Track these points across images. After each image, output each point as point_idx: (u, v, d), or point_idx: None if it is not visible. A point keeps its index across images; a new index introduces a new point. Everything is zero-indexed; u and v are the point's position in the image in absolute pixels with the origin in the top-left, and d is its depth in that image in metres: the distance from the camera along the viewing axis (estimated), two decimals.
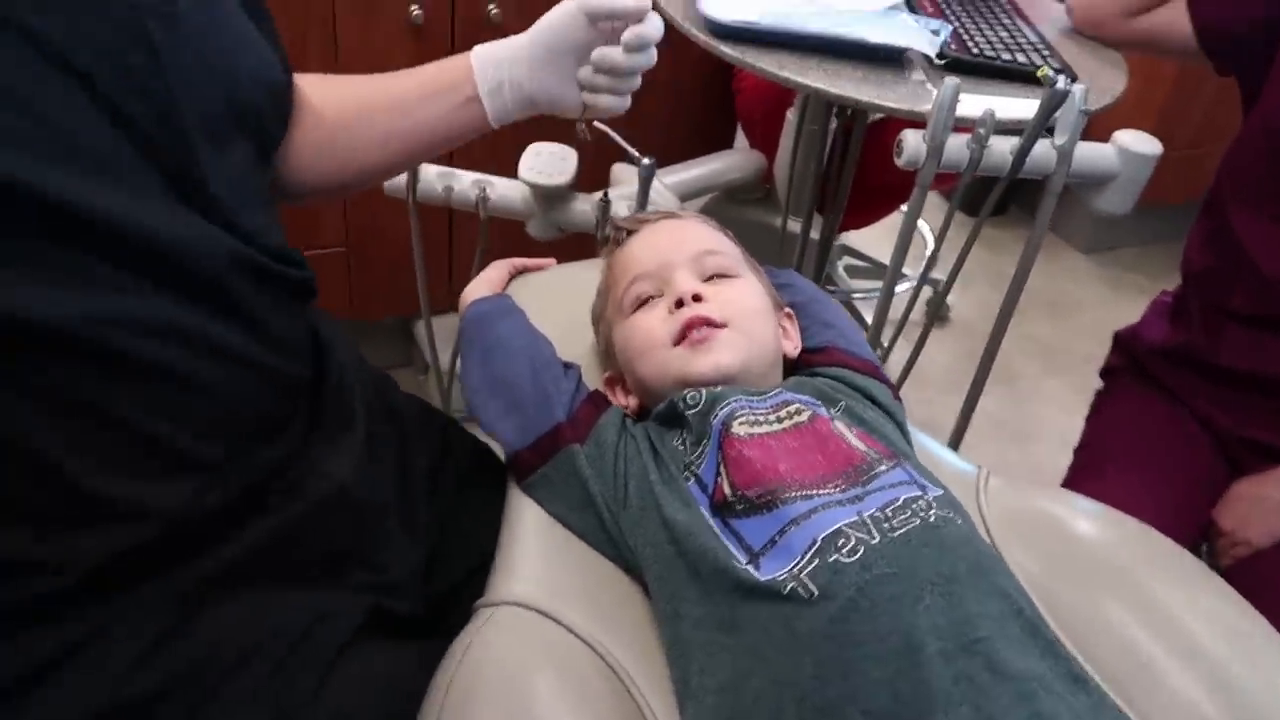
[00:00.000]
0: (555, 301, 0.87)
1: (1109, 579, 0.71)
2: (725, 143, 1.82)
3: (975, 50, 1.07)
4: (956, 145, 0.95)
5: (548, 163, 1.20)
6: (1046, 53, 1.10)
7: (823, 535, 0.56)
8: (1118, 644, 0.66)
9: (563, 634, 0.63)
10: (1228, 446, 1.08)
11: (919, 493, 0.60)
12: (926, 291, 2.24)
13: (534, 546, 0.70)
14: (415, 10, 1.42)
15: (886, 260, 1.96)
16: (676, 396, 0.68)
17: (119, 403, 0.51)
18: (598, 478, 0.68)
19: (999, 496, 0.80)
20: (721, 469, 0.63)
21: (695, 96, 1.74)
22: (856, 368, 0.76)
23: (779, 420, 0.65)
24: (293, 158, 0.72)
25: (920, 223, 2.32)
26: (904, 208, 2.17)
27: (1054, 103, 0.90)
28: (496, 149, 1.15)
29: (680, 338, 0.70)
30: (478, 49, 0.78)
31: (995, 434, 1.94)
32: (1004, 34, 1.12)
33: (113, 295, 0.49)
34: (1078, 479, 1.11)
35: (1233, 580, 0.70)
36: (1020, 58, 1.07)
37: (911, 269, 2.22)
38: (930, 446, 0.84)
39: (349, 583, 0.67)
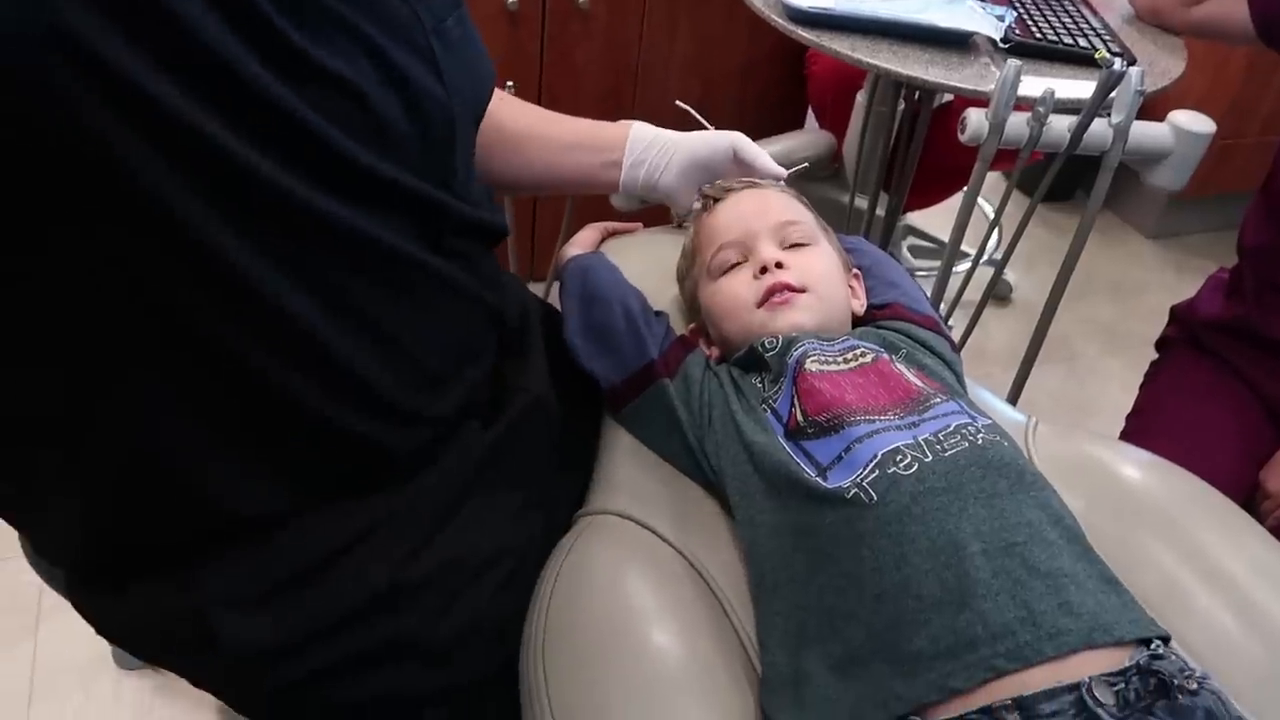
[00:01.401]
0: (641, 261, 0.97)
1: (1150, 518, 0.76)
2: (795, 124, 1.90)
3: (1038, 34, 1.13)
4: (1017, 123, 1.02)
5: None
6: (1108, 38, 1.16)
7: (882, 451, 0.64)
8: (1152, 571, 0.71)
9: (654, 540, 0.73)
10: (1278, 414, 1.13)
11: (969, 420, 0.68)
12: (991, 272, 2.29)
13: (627, 468, 0.79)
14: None
15: (944, 238, 2.02)
16: (756, 342, 0.77)
17: (397, 323, 0.63)
18: (684, 407, 0.78)
19: (1048, 442, 0.86)
20: (795, 401, 0.72)
21: (768, 80, 1.82)
22: (918, 322, 0.84)
23: (845, 361, 0.74)
24: (499, 148, 0.84)
25: (984, 204, 2.37)
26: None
27: (1111, 83, 0.97)
28: None
29: (763, 301, 0.79)
30: (637, 126, 0.91)
31: (1053, 410, 1.99)
32: (1067, 20, 1.18)
33: (389, 230, 0.60)
34: (1128, 441, 1.17)
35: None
36: (1081, 42, 1.13)
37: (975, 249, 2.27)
38: (985, 398, 0.91)
39: (555, 495, 0.78)
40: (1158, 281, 2.44)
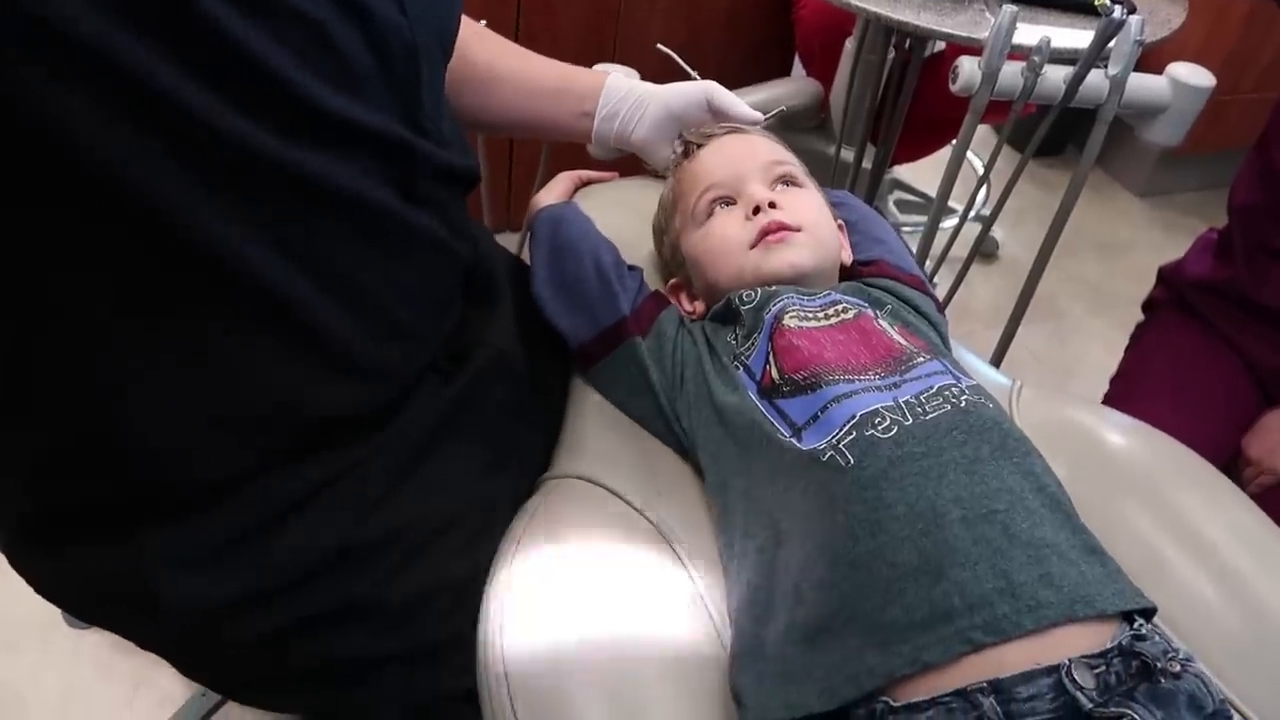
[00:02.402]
0: (617, 212, 0.93)
1: (1131, 484, 0.75)
2: (782, 72, 1.85)
3: None
4: (1011, 73, 0.98)
5: None
6: None
7: (861, 412, 0.62)
8: (1132, 539, 0.69)
9: (621, 506, 0.70)
10: (1265, 380, 1.11)
11: (953, 381, 0.66)
12: (978, 228, 2.26)
13: (596, 429, 0.76)
14: None
15: (931, 193, 1.98)
16: (733, 294, 0.74)
17: (363, 275, 0.60)
18: (657, 366, 0.74)
19: (1032, 406, 0.84)
20: (770, 357, 0.69)
21: (754, 24, 1.76)
22: (904, 280, 0.81)
23: (826, 317, 0.71)
24: (465, 85, 0.81)
25: (974, 159, 2.33)
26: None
27: (1109, 32, 0.93)
28: None
29: (757, 241, 0.75)
30: (615, 76, 0.88)
31: (1037, 369, 1.97)
32: None
33: (353, 175, 0.57)
34: (1112, 405, 1.15)
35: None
36: None
37: (962, 205, 2.24)
38: (970, 360, 0.89)
39: (523, 453, 0.76)
40: (1146, 240, 2.42)
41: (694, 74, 1.20)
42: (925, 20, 0.99)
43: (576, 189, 0.97)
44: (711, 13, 1.71)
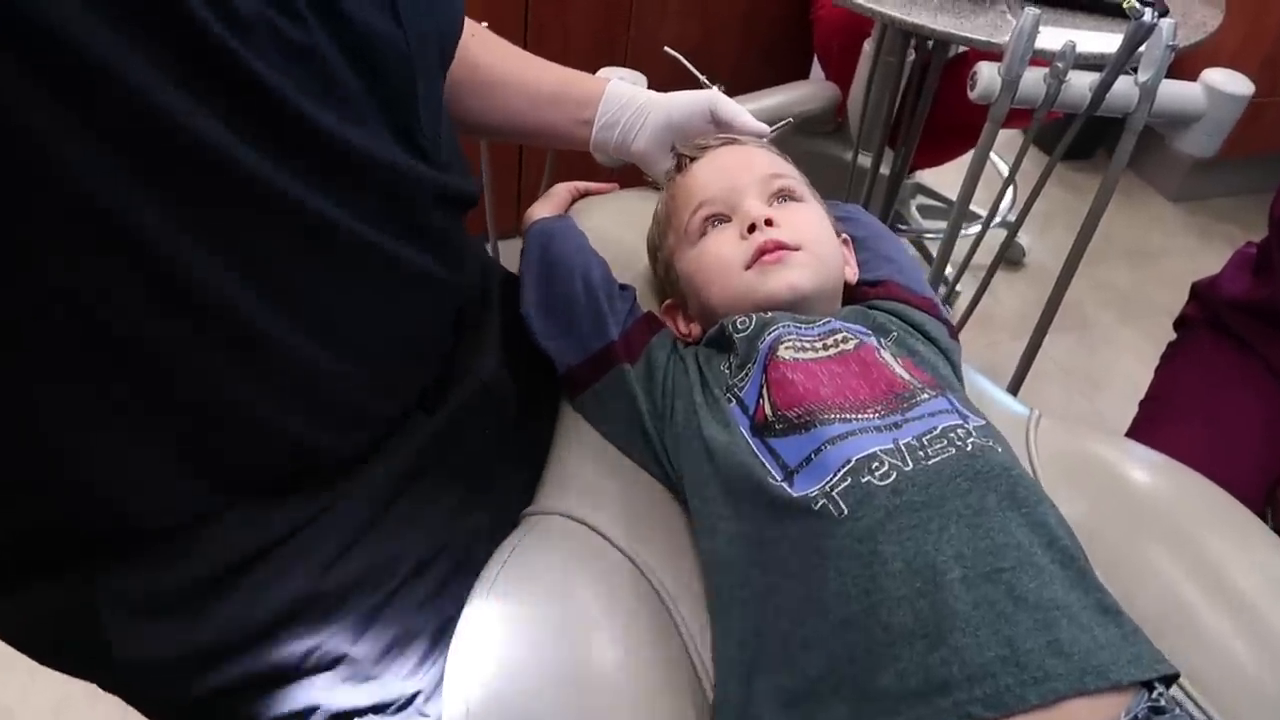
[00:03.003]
0: (615, 226, 0.89)
1: (1156, 525, 0.70)
2: (800, 75, 1.79)
3: None
4: (1034, 80, 0.92)
5: None
6: None
7: (857, 456, 0.57)
8: (1157, 587, 0.65)
9: (604, 545, 0.66)
10: None
11: (959, 421, 0.61)
12: (1003, 233, 2.19)
13: (582, 462, 0.72)
14: None
15: (950, 194, 1.92)
16: (727, 320, 0.70)
17: (349, 315, 0.56)
18: (646, 396, 0.70)
19: (1050, 438, 0.79)
20: (764, 391, 0.64)
21: (771, 25, 1.71)
22: (914, 304, 0.76)
23: (825, 347, 0.66)
24: (461, 90, 0.78)
25: (999, 163, 2.26)
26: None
27: (1139, 36, 0.87)
28: None
29: (753, 261, 0.70)
30: (615, 83, 0.85)
31: (1064, 381, 1.91)
32: None
33: (343, 205, 0.53)
34: (1141, 430, 1.09)
35: None
36: None
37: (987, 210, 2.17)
38: (985, 387, 0.84)
39: (506, 486, 0.72)
40: (1179, 247, 2.34)
41: (703, 79, 1.15)
42: (943, 24, 0.93)
43: (574, 201, 0.93)
44: (727, 13, 1.65)
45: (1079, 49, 0.90)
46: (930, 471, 0.57)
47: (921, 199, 2.14)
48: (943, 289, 1.29)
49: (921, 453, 0.58)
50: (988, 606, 0.51)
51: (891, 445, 0.58)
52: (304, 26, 0.48)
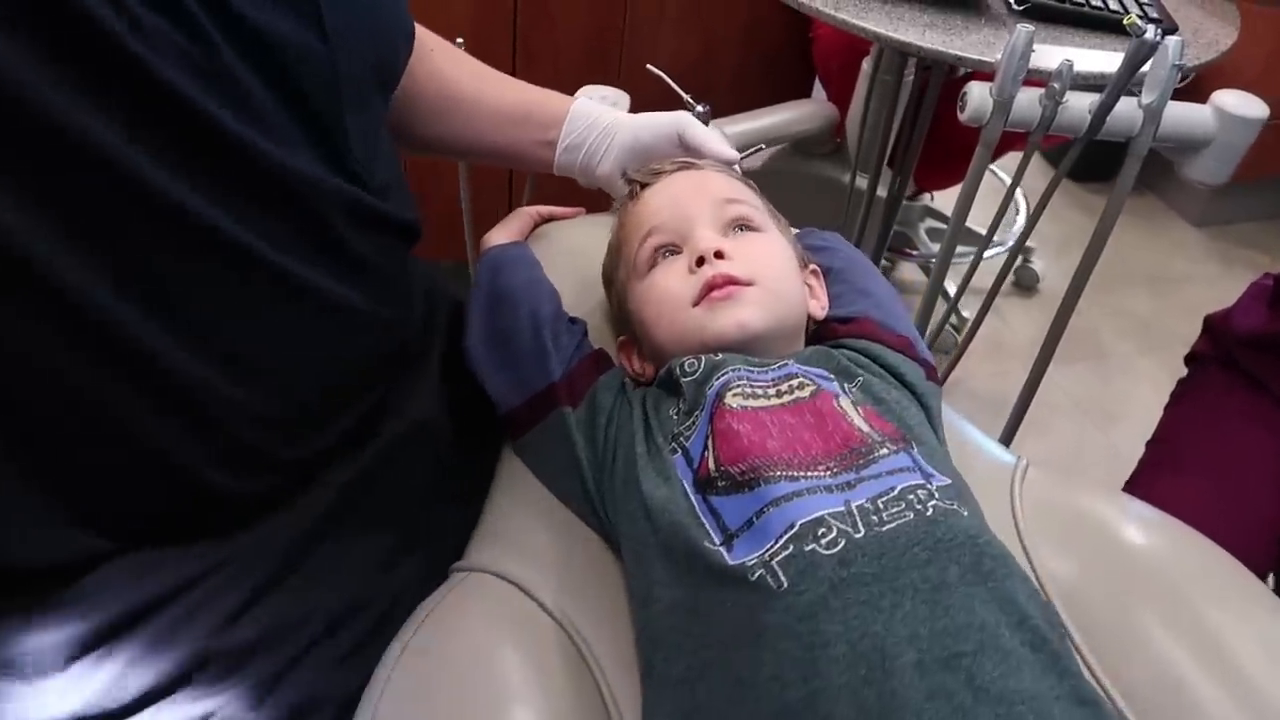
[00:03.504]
0: (577, 254, 0.83)
1: (1151, 591, 0.65)
2: (803, 93, 1.73)
3: None
4: (1028, 101, 0.86)
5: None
6: (1145, 1, 0.99)
7: (801, 521, 0.51)
8: (1150, 662, 0.60)
9: (533, 609, 0.60)
10: None
11: (919, 481, 0.55)
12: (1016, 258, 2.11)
13: (518, 511, 0.67)
14: None
15: (975, 224, 1.85)
16: (675, 362, 0.64)
17: (260, 348, 0.52)
18: (587, 444, 0.64)
19: (1037, 490, 0.73)
20: (709, 442, 0.58)
21: (772, 41, 1.66)
22: (888, 342, 0.70)
23: (778, 394, 0.60)
24: (419, 108, 0.76)
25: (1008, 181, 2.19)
26: (995, 167, 2.04)
27: (1141, 55, 0.81)
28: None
29: (701, 298, 0.65)
30: (581, 103, 0.81)
31: (1075, 413, 1.83)
32: None
33: (256, 228, 0.49)
34: (1145, 477, 1.02)
35: None
36: (1112, 4, 0.96)
37: (1000, 234, 2.10)
38: (968, 434, 0.77)
39: (441, 534, 0.67)
40: (1201, 274, 2.25)
41: (687, 98, 1.10)
42: (930, 41, 0.87)
43: (536, 226, 0.88)
44: (726, 28, 1.60)
45: (1077, 68, 0.84)
46: (884, 539, 0.51)
47: (931, 222, 2.07)
48: (937, 314, 1.22)
49: (875, 517, 0.52)
50: (944, 699, 0.45)
51: (842, 508, 0.52)
52: (204, 36, 0.45)
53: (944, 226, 2.09)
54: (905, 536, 0.51)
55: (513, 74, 1.57)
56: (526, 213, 0.87)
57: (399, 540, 0.65)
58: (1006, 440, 1.27)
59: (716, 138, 0.79)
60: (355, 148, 0.55)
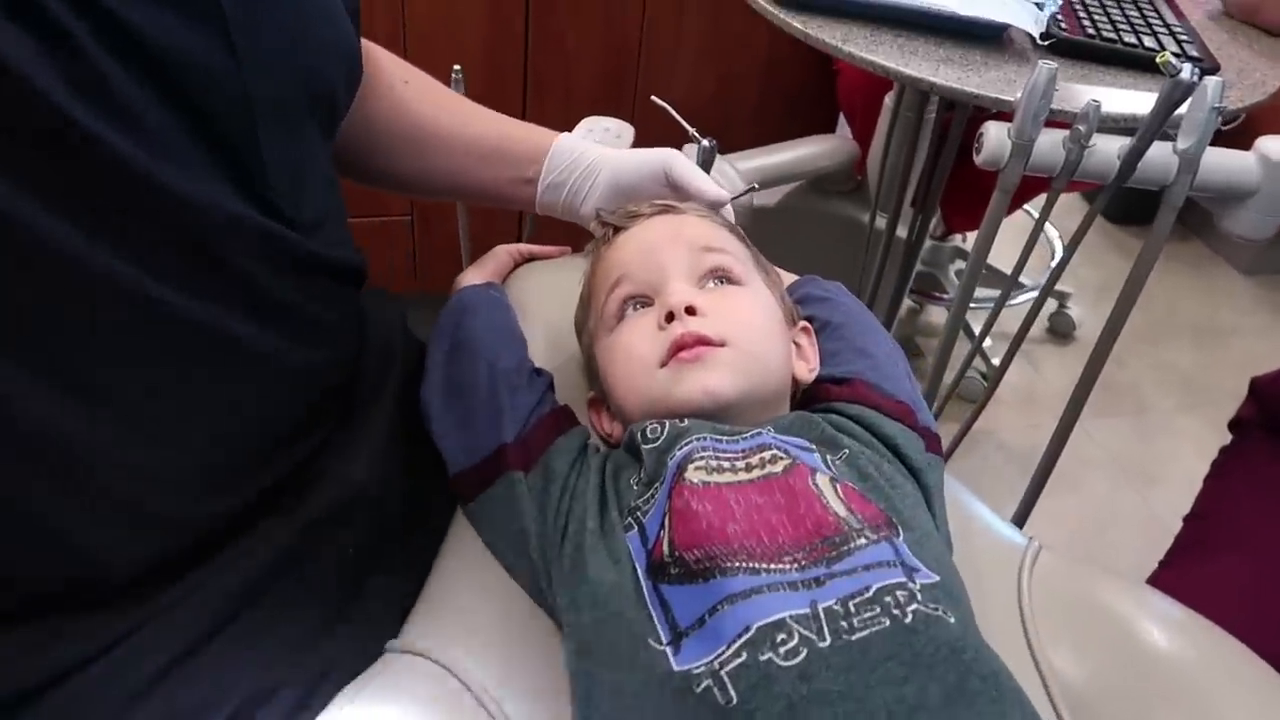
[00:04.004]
0: (556, 299, 0.77)
1: (1173, 699, 0.58)
2: (826, 127, 1.67)
3: (1091, 31, 0.89)
4: (1050, 145, 0.79)
5: (602, 139, 1.10)
6: (1185, 38, 0.91)
7: (758, 624, 0.44)
8: None
9: (468, 700, 0.54)
10: None
11: (900, 579, 0.47)
12: (1055, 305, 2.02)
13: (463, 584, 0.60)
14: None
15: (1005, 267, 1.77)
16: (636, 427, 0.57)
17: (153, 401, 0.46)
18: (537, 513, 0.58)
19: (1048, 578, 0.66)
20: (666, 520, 0.52)
21: (796, 76, 1.60)
22: (884, 408, 0.63)
23: (747, 469, 0.53)
24: (387, 144, 0.73)
25: (1049, 228, 2.10)
26: (1028, 208, 1.96)
27: (1177, 96, 0.73)
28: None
29: (668, 359, 0.58)
30: (564, 139, 0.76)
31: (1111, 472, 1.73)
32: (1133, 13, 0.94)
33: (147, 261, 0.44)
34: (1179, 558, 0.93)
35: None
36: (1147, 41, 0.89)
37: (1033, 279, 2.01)
38: (974, 509, 0.70)
39: (375, 605, 0.61)
40: (1250, 326, 2.13)
41: (692, 131, 1.04)
42: (944, 77, 0.81)
43: (515, 267, 0.82)
44: (746, 60, 1.55)
45: (1106, 109, 0.77)
46: (853, 650, 0.44)
47: (960, 264, 1.99)
48: (959, 360, 1.14)
49: (845, 622, 0.45)
50: None
51: (806, 610, 0.45)
52: (64, 33, 0.40)
53: None
54: (878, 648, 0.44)
55: (522, 105, 1.53)
56: (504, 251, 0.82)
57: (328, 613, 0.58)
58: (1033, 496, 1.18)
59: (704, 177, 0.72)
60: (275, 178, 0.50)
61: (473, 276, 0.77)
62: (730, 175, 1.08)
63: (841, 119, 1.63)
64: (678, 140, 1.24)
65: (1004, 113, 0.90)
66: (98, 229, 0.41)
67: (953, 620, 0.46)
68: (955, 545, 0.61)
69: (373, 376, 0.66)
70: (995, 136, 0.78)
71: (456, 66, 1.08)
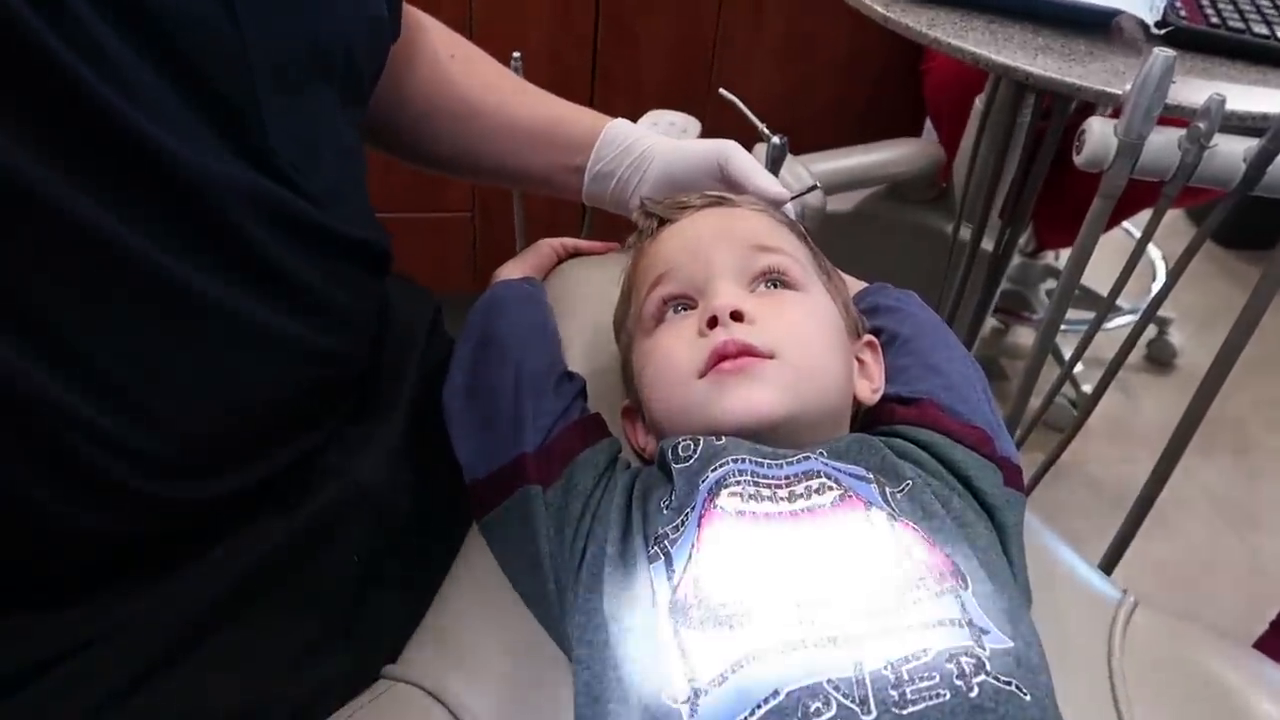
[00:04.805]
0: (600, 298, 0.71)
1: None
2: (912, 131, 1.58)
3: (1214, 19, 0.80)
4: (1164, 144, 0.70)
5: (666, 133, 1.03)
6: None
7: (790, 688, 0.37)
8: None
9: None
10: None
11: (967, 642, 0.40)
12: (1153, 331, 1.88)
13: (471, 608, 0.55)
14: None
15: (1101, 289, 1.65)
16: (667, 443, 0.51)
17: (137, 370, 0.43)
18: (554, 533, 0.51)
19: (1146, 640, 0.58)
20: (693, 552, 0.45)
21: (879, 76, 1.52)
22: (957, 434, 0.55)
23: (790, 498, 0.46)
24: (431, 120, 0.70)
25: (1152, 248, 1.96)
26: (1128, 226, 1.83)
27: None
28: None
29: (708, 369, 0.52)
30: (616, 125, 0.71)
31: (1212, 513, 1.59)
32: (1263, 0, 0.83)
33: (138, 225, 0.41)
34: None
35: None
36: None
37: (1131, 303, 1.88)
38: (1059, 555, 0.62)
39: (373, 622, 0.56)
40: None
41: (762, 126, 0.97)
42: (1041, 66, 0.72)
43: (558, 262, 0.76)
44: (826, 56, 1.47)
45: (1230, 106, 0.67)
46: None
47: (1053, 283, 1.87)
48: (1046, 384, 1.04)
49: (895, 693, 0.38)
50: None
51: (850, 673, 0.38)
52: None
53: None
54: None
55: (589, 98, 1.48)
56: (550, 245, 0.77)
57: (322, 628, 0.54)
58: (1125, 539, 1.08)
59: (763, 172, 0.66)
60: (278, 141, 0.46)
61: (511, 270, 0.71)
62: (802, 177, 1.00)
63: (928, 125, 1.54)
64: (748, 139, 1.17)
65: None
66: (102, 192, 0.39)
67: (1028, 698, 0.39)
68: (1035, 596, 0.53)
69: (391, 372, 0.62)
70: (1099, 133, 0.69)
71: (516, 53, 1.03)
